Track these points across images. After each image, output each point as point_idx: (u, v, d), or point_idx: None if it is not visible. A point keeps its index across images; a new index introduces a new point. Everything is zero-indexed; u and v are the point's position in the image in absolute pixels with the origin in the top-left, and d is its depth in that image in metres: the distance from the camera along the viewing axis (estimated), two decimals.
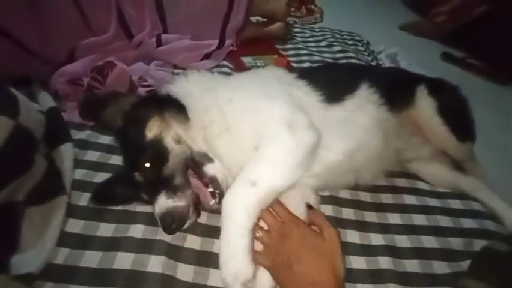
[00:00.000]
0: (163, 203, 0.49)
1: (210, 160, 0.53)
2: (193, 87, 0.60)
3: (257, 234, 0.49)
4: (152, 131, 0.53)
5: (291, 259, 0.44)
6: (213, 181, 0.51)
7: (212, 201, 0.51)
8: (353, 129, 0.60)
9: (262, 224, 0.50)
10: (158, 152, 0.52)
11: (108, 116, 0.58)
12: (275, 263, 0.46)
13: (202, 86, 0.60)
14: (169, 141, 0.53)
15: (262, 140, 0.50)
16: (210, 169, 0.52)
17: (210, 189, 0.51)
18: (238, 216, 0.45)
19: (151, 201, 0.51)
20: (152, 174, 0.51)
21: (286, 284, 0.45)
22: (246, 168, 0.48)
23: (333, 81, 0.65)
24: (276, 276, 0.47)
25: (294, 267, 0.44)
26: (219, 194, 0.51)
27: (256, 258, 0.46)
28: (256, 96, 0.57)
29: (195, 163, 0.53)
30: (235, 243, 0.44)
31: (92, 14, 0.81)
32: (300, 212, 0.53)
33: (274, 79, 0.64)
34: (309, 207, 0.54)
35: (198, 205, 0.53)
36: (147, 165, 0.51)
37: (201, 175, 0.52)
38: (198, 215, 0.54)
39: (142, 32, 0.91)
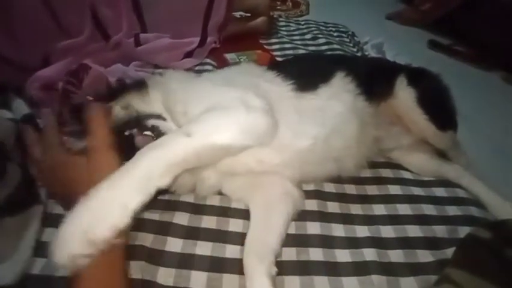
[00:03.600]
0: None
1: (162, 119, 0.51)
2: (164, 79, 0.60)
3: None
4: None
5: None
6: (154, 129, 0.47)
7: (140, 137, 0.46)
8: (327, 116, 0.59)
9: None
10: None
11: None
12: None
13: (173, 77, 0.60)
14: (117, 110, 0.51)
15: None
16: (152, 122, 0.49)
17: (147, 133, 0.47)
18: (152, 162, 0.36)
19: None
20: None
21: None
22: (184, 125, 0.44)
23: (306, 71, 0.64)
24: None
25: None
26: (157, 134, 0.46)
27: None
28: (216, 84, 0.56)
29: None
30: (123, 192, 0.34)
31: (64, 15, 0.78)
32: (281, 209, 0.53)
33: (240, 73, 0.63)
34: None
35: None
36: None
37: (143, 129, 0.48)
38: None
39: (119, 32, 0.89)
